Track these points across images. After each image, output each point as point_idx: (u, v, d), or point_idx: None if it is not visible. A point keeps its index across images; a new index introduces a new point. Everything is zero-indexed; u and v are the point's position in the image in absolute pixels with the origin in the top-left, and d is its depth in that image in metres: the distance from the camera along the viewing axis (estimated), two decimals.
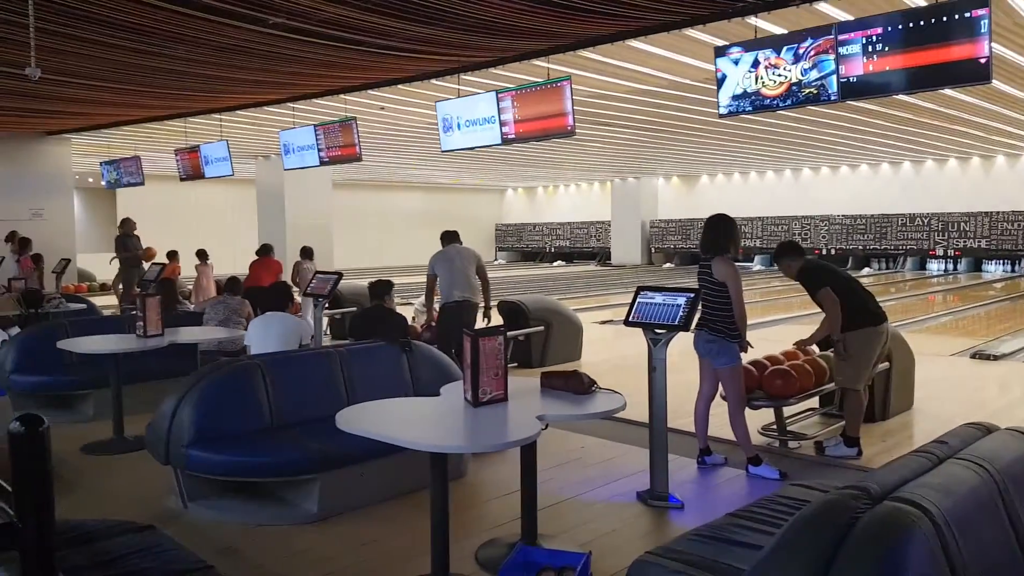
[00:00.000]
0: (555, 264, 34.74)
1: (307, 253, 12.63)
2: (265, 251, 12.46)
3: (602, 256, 33.94)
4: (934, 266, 26.30)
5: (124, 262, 13.83)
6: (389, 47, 8.00)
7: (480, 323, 7.64)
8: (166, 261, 13.51)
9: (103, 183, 17.12)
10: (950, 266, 26.01)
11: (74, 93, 10.41)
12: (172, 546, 3.08)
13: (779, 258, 6.08)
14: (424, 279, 8.01)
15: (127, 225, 14.21)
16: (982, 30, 5.50)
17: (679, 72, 10.20)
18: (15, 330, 9.04)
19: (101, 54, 8.13)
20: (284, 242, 17.87)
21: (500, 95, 8.71)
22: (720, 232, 5.46)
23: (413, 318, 10.32)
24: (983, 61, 5.54)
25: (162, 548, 3.03)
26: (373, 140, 16.05)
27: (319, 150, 11.53)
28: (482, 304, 8.01)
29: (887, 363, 6.46)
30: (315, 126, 11.49)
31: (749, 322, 5.49)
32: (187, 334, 7.13)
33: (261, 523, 4.55)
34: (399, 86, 10.18)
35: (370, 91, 10.50)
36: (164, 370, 6.87)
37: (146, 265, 13.15)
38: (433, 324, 8.12)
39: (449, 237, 8.03)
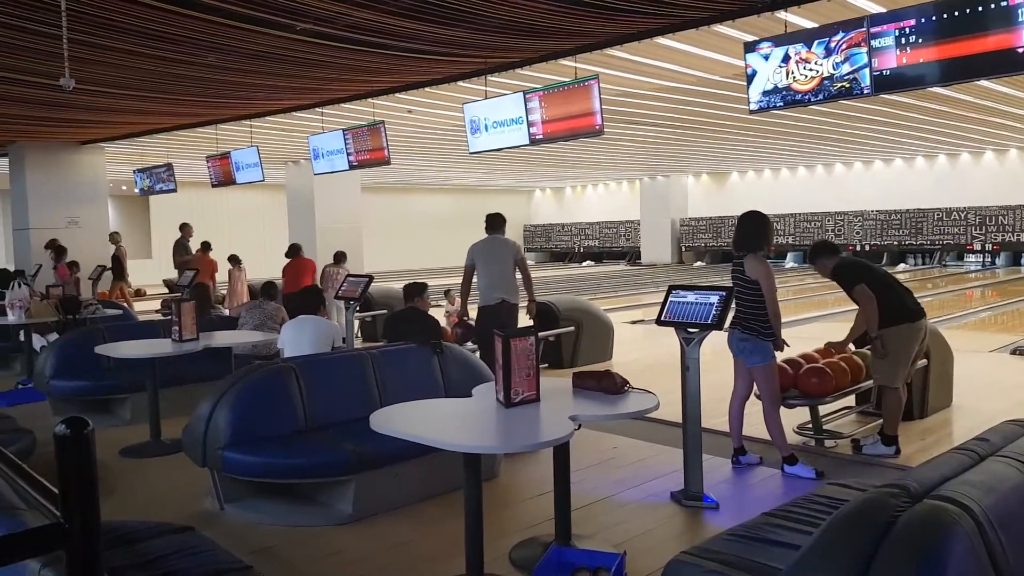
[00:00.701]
0: (584, 264, 34.69)
1: (338, 258, 12.69)
2: (295, 251, 12.37)
3: (632, 256, 33.83)
4: (972, 261, 25.94)
5: (182, 266, 14.04)
6: (416, 50, 8.03)
7: (524, 320, 7.50)
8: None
9: (136, 191, 17.32)
10: (988, 260, 25.65)
11: (107, 102, 10.55)
12: (210, 546, 3.11)
13: (814, 258, 6.04)
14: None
15: (186, 230, 14.44)
16: (1020, 19, 5.40)
17: (708, 69, 10.14)
18: (53, 336, 9.19)
19: (133, 63, 8.23)
20: (315, 246, 17.97)
21: (527, 96, 8.69)
22: (753, 229, 5.42)
23: (447, 320, 10.34)
24: (1021, 51, 5.45)
25: (201, 549, 3.06)
26: (401, 143, 16.11)
27: (348, 154, 11.57)
28: (523, 302, 7.79)
29: (925, 360, 6.38)
30: (344, 130, 11.54)
31: (783, 320, 5.44)
32: (221, 338, 7.21)
33: (297, 524, 4.58)
34: (426, 89, 10.20)
35: (398, 94, 10.54)
36: (199, 374, 6.95)
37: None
38: (467, 319, 8.03)
39: (494, 223, 7.64)
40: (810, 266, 6.19)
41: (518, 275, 7.59)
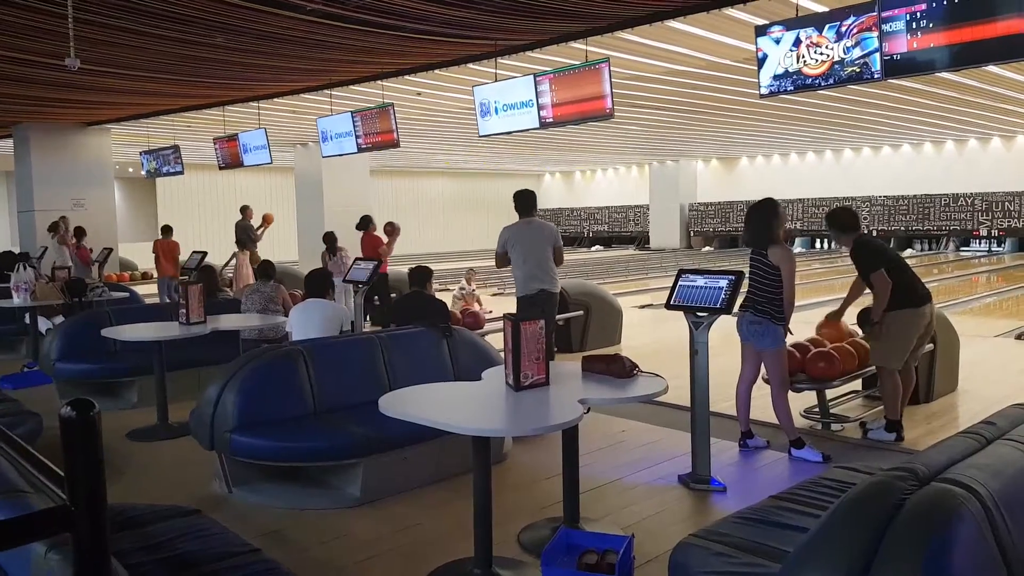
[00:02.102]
0: (593, 249, 34.63)
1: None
2: (367, 223, 11.39)
3: (641, 240, 33.77)
4: (978, 246, 25.85)
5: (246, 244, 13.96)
6: (426, 31, 7.99)
7: None
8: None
9: (143, 173, 17.27)
10: (994, 246, 25.56)
11: (113, 83, 10.53)
12: (218, 529, 3.12)
13: (836, 226, 5.97)
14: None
15: (247, 211, 14.31)
16: None
17: (719, 52, 10.07)
18: (59, 319, 9.20)
19: (139, 43, 8.20)
20: (323, 229, 17.95)
21: (538, 78, 8.63)
22: (770, 218, 5.38)
23: (456, 302, 10.31)
24: None
25: (209, 532, 3.07)
26: (410, 126, 16.05)
27: (357, 137, 11.51)
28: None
29: (931, 345, 6.37)
30: (352, 113, 11.49)
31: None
32: (228, 321, 7.20)
33: (304, 507, 4.59)
34: (436, 71, 10.16)
35: (407, 77, 10.49)
36: (207, 357, 6.95)
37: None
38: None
39: (526, 204, 7.13)
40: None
41: None
